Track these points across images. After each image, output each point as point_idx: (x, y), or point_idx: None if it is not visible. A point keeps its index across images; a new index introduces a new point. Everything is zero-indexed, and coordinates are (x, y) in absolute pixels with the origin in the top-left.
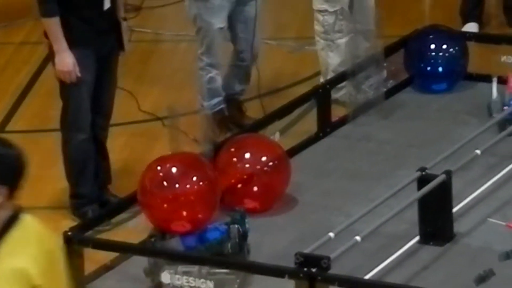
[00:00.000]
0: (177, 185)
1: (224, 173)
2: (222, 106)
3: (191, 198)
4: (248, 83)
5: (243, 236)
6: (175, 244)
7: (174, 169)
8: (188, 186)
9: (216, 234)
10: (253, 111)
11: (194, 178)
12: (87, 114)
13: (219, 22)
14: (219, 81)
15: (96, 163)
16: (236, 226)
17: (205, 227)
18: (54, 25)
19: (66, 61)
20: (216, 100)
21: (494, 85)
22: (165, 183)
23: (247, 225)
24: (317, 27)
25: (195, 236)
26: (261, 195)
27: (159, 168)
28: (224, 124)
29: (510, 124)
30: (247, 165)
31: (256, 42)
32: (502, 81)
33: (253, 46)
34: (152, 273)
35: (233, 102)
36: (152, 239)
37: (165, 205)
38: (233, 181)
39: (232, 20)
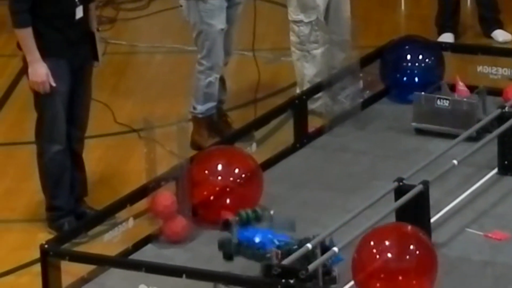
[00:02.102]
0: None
1: (197, 186)
2: (214, 111)
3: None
4: (225, 90)
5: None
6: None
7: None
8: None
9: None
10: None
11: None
12: (62, 125)
13: (220, 23)
14: (216, 87)
15: (72, 175)
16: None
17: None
18: (27, 36)
19: (40, 71)
20: (210, 104)
21: None
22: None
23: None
24: (293, 38)
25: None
26: (235, 207)
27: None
28: (212, 130)
29: None
30: (220, 178)
31: (232, 48)
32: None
33: (228, 52)
34: None
35: (217, 112)
36: None
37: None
38: (206, 193)
39: None
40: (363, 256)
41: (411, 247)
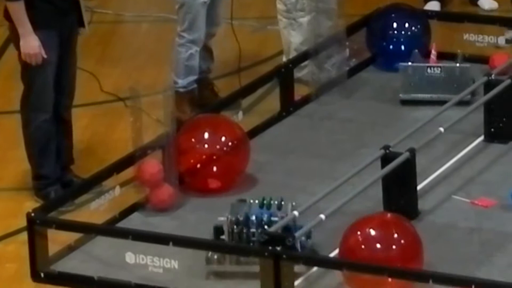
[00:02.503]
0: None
1: (183, 154)
2: (195, 86)
3: None
4: (212, 59)
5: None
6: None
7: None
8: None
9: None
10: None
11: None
12: (50, 95)
13: None
14: (197, 59)
15: (59, 143)
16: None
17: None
18: (19, 8)
19: (32, 44)
20: (191, 78)
21: None
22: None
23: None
24: (280, 6)
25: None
26: (222, 175)
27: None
28: (193, 104)
29: None
30: (206, 146)
31: (220, 18)
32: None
33: (216, 22)
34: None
35: (204, 82)
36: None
37: None
38: (193, 161)
39: None
40: (349, 246)
41: (396, 236)
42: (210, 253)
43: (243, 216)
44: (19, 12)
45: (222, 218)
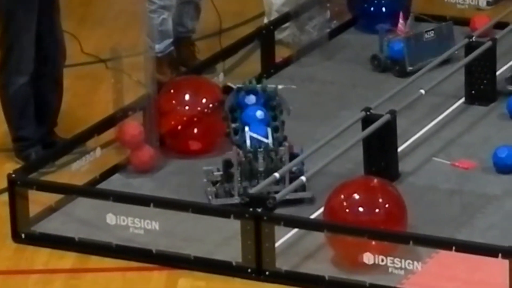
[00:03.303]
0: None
1: (164, 116)
2: (172, 48)
3: None
4: (198, 19)
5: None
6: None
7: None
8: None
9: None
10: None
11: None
12: (31, 56)
13: None
14: (170, 23)
15: (48, 104)
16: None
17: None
18: None
19: None
20: (167, 41)
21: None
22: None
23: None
24: None
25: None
26: (203, 137)
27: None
28: (173, 66)
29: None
30: (187, 107)
31: None
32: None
33: None
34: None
35: (186, 41)
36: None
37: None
38: (174, 123)
39: None
40: (333, 208)
41: (381, 200)
42: (208, 189)
43: (253, 149)
44: None
45: (230, 152)
